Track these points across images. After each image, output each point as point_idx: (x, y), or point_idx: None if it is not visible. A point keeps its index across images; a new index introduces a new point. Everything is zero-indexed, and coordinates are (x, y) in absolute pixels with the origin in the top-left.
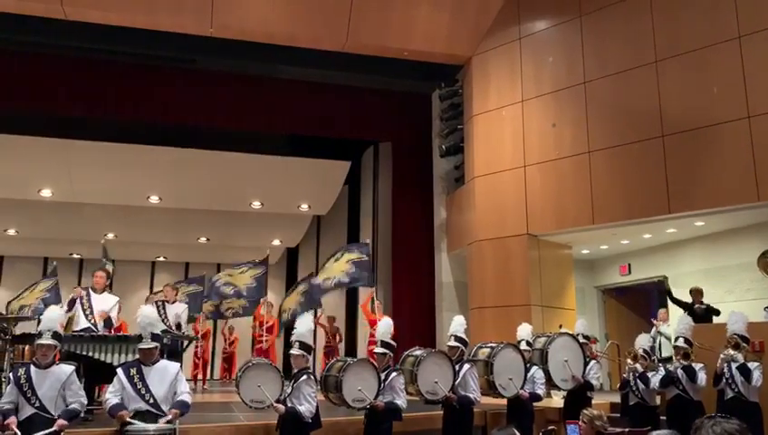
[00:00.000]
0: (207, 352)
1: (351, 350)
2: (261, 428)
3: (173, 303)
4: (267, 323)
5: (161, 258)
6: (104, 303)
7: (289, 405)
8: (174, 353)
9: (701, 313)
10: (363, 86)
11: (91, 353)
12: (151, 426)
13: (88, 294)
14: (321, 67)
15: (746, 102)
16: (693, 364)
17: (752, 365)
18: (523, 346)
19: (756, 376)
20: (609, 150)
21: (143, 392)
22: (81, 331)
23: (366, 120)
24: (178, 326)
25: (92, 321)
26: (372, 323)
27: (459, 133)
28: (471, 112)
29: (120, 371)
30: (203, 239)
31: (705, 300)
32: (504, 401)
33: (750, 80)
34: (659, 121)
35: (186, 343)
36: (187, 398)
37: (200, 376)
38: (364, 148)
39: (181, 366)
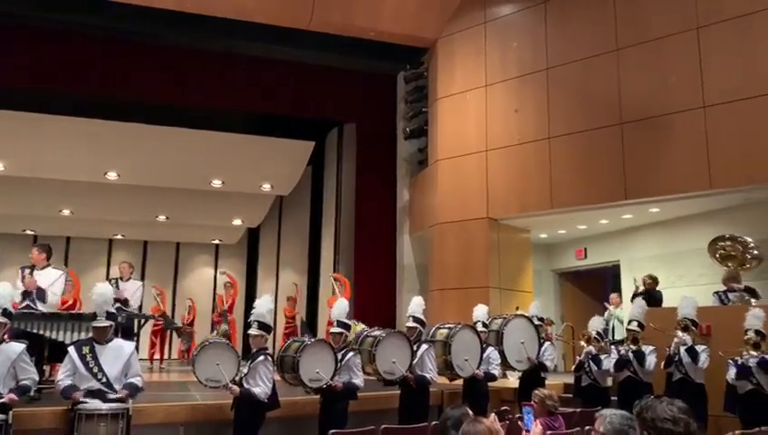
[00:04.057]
0: (166, 332)
1: (312, 331)
2: (216, 407)
3: (127, 280)
4: (226, 302)
5: (119, 236)
6: (45, 278)
7: (245, 386)
8: (128, 332)
9: (658, 296)
10: (328, 66)
11: (42, 332)
12: (104, 405)
13: (31, 272)
14: (285, 45)
15: (701, 93)
16: (643, 348)
17: (699, 348)
18: (479, 327)
19: (703, 358)
20: (569, 137)
21: (95, 371)
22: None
23: (330, 101)
24: (125, 303)
25: (31, 298)
26: (331, 304)
27: (423, 116)
28: (435, 95)
29: (71, 349)
30: (162, 217)
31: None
32: (461, 381)
33: (706, 70)
34: (618, 109)
35: (142, 321)
36: (137, 381)
37: (157, 356)
38: (328, 128)
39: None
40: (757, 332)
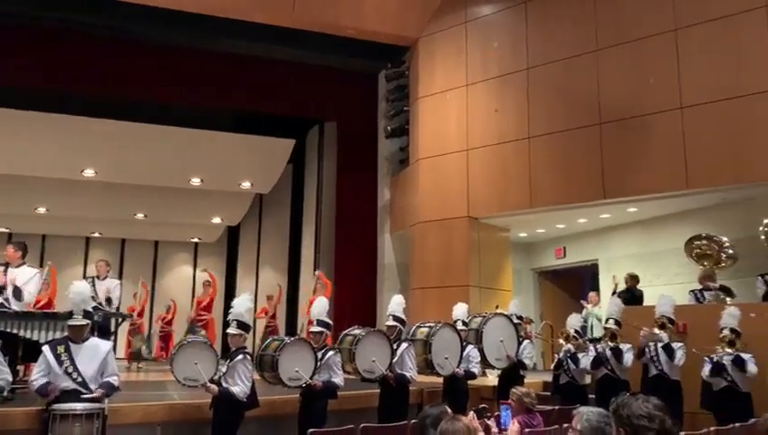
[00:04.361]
0: (143, 330)
1: (292, 330)
2: (194, 407)
3: (104, 278)
4: (204, 301)
5: (96, 234)
6: (21, 277)
7: (223, 385)
8: (105, 331)
9: (638, 295)
10: (309, 63)
11: (16, 331)
12: (78, 405)
13: (5, 270)
14: (266, 42)
15: (679, 93)
16: (620, 345)
17: (675, 345)
18: (459, 326)
19: (679, 356)
20: (549, 136)
21: (70, 371)
22: None
23: (311, 99)
24: (108, 302)
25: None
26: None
27: (405, 115)
28: (417, 94)
29: (45, 348)
30: (140, 215)
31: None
32: (441, 380)
33: (683, 72)
34: (597, 109)
35: (120, 320)
36: (114, 380)
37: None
38: (309, 126)
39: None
40: (732, 330)
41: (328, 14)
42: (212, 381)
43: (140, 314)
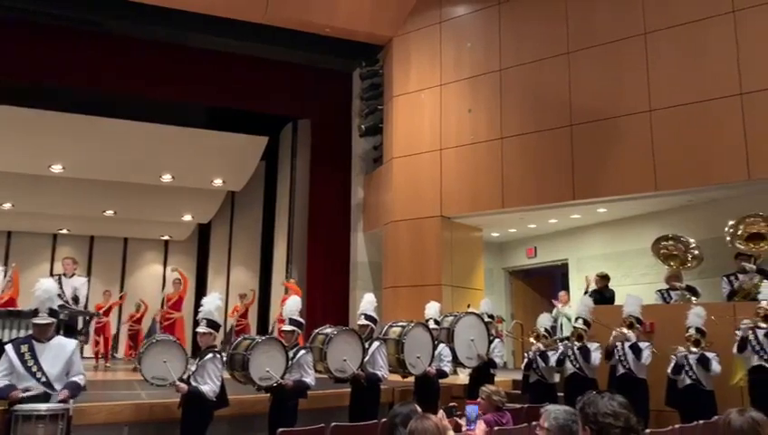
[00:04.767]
0: (109, 329)
1: (263, 329)
2: (161, 406)
3: (71, 276)
4: (172, 299)
5: (64, 231)
6: None
7: (192, 384)
8: (71, 330)
9: (609, 295)
10: (284, 60)
11: None
12: (42, 406)
13: None
14: (239, 38)
15: (648, 97)
16: (588, 344)
17: (642, 345)
18: (431, 325)
19: (646, 355)
20: (521, 137)
21: (34, 370)
22: None
23: (285, 96)
24: (75, 300)
25: None
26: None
27: (379, 114)
28: (391, 93)
29: (8, 347)
30: (109, 212)
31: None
32: (412, 378)
33: (653, 75)
34: (569, 111)
35: (87, 319)
36: (79, 379)
37: (102, 353)
38: (282, 124)
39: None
40: (698, 329)
41: (302, 11)
42: (181, 380)
43: (107, 313)
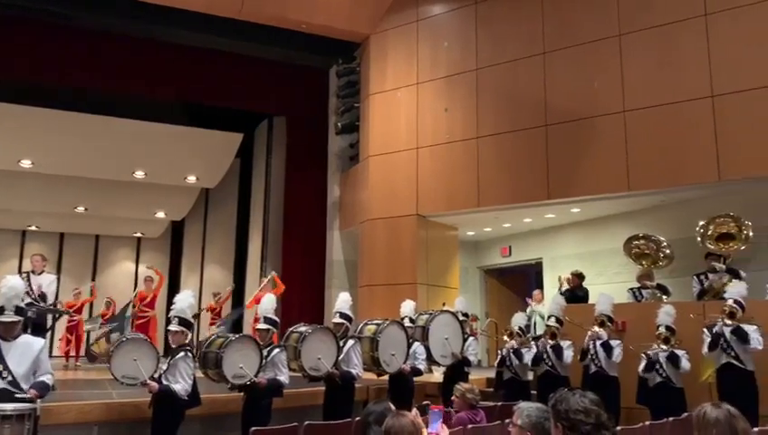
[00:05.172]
0: (81, 328)
1: (237, 327)
2: (132, 405)
3: (40, 274)
4: (147, 296)
5: (33, 227)
6: None
7: (164, 383)
8: (39, 328)
9: (582, 294)
10: (259, 57)
11: None
12: (8, 406)
13: None
14: (216, 34)
15: (622, 97)
16: (561, 343)
17: (614, 343)
18: (407, 323)
19: (617, 353)
20: (497, 137)
21: (0, 369)
22: None
23: (261, 92)
24: (43, 297)
25: None
26: (258, 301)
27: (355, 111)
28: (368, 91)
29: None
30: (80, 209)
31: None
32: (387, 377)
33: (627, 76)
34: (544, 111)
35: (57, 316)
36: (47, 379)
37: (73, 353)
38: (258, 120)
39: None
40: (668, 327)
41: (279, 7)
42: (152, 378)
43: (78, 311)
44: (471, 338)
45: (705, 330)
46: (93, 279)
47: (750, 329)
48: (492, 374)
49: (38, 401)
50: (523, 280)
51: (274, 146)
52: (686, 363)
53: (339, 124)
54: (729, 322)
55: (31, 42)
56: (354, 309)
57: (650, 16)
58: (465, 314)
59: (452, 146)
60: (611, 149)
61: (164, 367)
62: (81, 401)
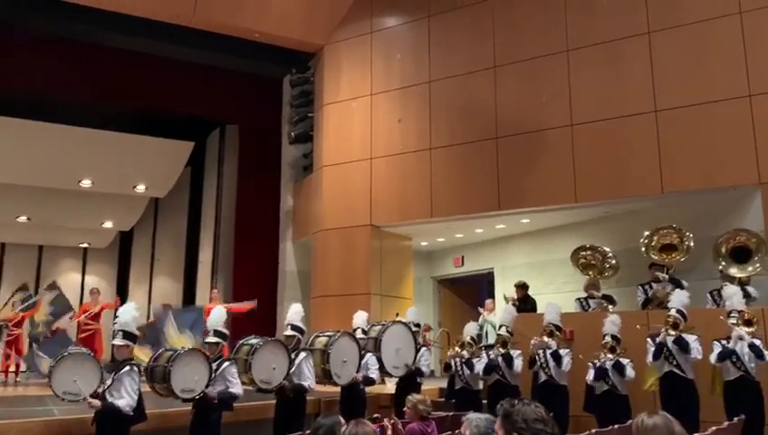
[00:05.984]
0: (21, 342)
1: None
2: (75, 422)
3: None
4: (91, 309)
5: None
6: None
7: (108, 399)
8: None
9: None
10: (212, 65)
11: None
12: None
13: None
14: (167, 41)
15: (570, 111)
16: (511, 352)
17: (563, 352)
18: (359, 334)
19: (566, 362)
20: (449, 148)
21: None
22: None
23: (212, 101)
24: None
25: None
26: (208, 313)
27: (309, 121)
28: (322, 102)
29: None
30: (23, 218)
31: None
32: (339, 388)
33: (574, 91)
34: (495, 123)
35: None
36: None
37: (12, 368)
38: (209, 129)
39: None
40: (613, 336)
41: (231, 15)
42: (95, 394)
43: (18, 325)
44: (424, 348)
45: (648, 339)
46: (36, 293)
47: (691, 339)
48: (444, 384)
49: None
50: (476, 290)
51: (226, 155)
52: (630, 371)
53: (292, 134)
54: (672, 332)
55: None
56: (307, 320)
57: (596, 33)
58: (417, 325)
59: (405, 157)
60: (559, 161)
61: (108, 382)
62: (22, 419)
